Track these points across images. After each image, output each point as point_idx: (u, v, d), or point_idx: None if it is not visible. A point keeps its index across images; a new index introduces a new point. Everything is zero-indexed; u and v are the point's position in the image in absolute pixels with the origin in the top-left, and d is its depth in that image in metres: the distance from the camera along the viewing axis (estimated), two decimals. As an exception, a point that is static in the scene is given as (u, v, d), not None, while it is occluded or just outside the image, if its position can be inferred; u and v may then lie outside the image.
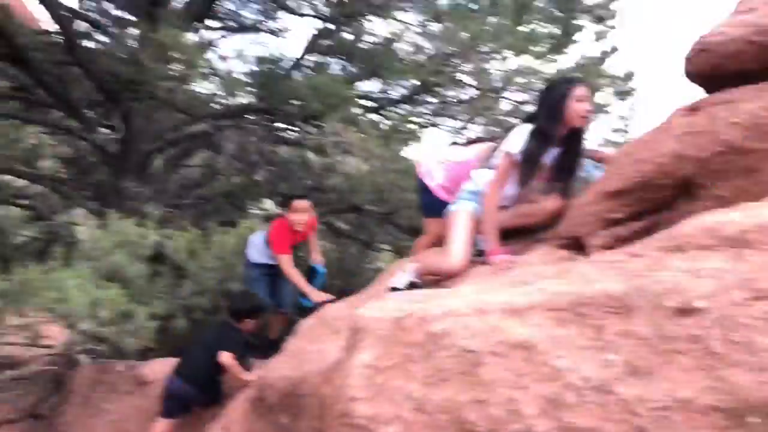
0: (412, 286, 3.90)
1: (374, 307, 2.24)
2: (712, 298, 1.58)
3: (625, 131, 8.75)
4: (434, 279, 3.78)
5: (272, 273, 5.40)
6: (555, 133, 3.55)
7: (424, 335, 1.88)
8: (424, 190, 4.25)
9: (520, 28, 6.39)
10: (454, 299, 2.10)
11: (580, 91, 3.53)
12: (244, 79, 8.96)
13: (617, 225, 3.22)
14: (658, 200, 3.06)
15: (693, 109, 3.04)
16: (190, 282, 5.57)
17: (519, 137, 3.57)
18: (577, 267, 2.05)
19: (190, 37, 6.49)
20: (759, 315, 1.51)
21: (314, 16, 8.77)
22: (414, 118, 8.24)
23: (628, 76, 8.57)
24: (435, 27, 9.08)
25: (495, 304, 1.87)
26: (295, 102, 7.49)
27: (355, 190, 7.22)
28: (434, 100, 7.96)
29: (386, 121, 8.43)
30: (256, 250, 5.46)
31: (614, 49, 7.77)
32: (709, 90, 3.19)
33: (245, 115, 8.58)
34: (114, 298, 4.47)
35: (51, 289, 4.37)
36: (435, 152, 4.52)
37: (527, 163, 3.54)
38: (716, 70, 2.99)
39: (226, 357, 4.48)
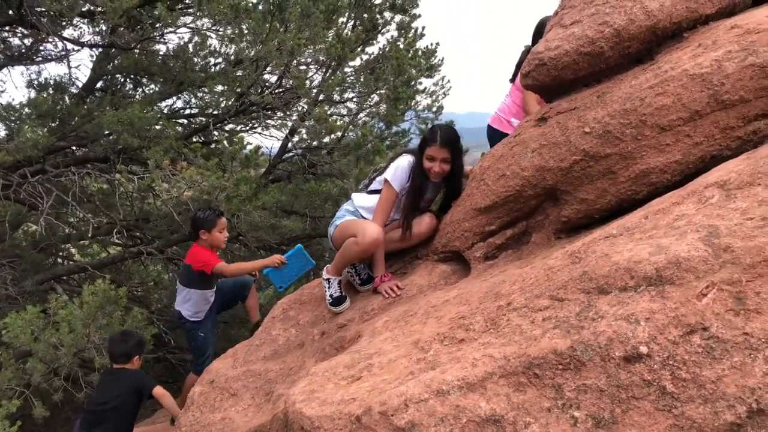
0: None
1: (313, 400, 2.16)
2: (653, 342, 1.72)
3: (438, 106, 9.21)
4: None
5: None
6: (425, 179, 3.69)
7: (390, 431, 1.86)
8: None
9: (329, 32, 6.38)
10: (396, 378, 2.09)
11: (431, 151, 3.63)
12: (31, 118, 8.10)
13: (492, 236, 3.39)
14: (525, 208, 3.26)
15: (541, 119, 3.25)
16: (39, 365, 4.98)
17: (400, 170, 3.65)
18: (507, 316, 2.13)
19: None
20: (697, 349, 1.68)
21: (99, 45, 8.07)
22: (239, 129, 8.01)
23: (431, 53, 8.96)
24: (232, 32, 8.82)
25: (450, 382, 1.89)
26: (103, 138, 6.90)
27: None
28: (254, 108, 7.71)
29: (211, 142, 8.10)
30: (194, 303, 5.01)
31: (422, 35, 8.05)
32: (548, 96, 3.43)
33: (45, 158, 7.74)
34: (-41, 415, 3.89)
35: None
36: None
37: (413, 197, 3.66)
38: (555, 80, 3.22)
39: (159, 390, 4.44)
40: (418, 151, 3.70)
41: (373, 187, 3.86)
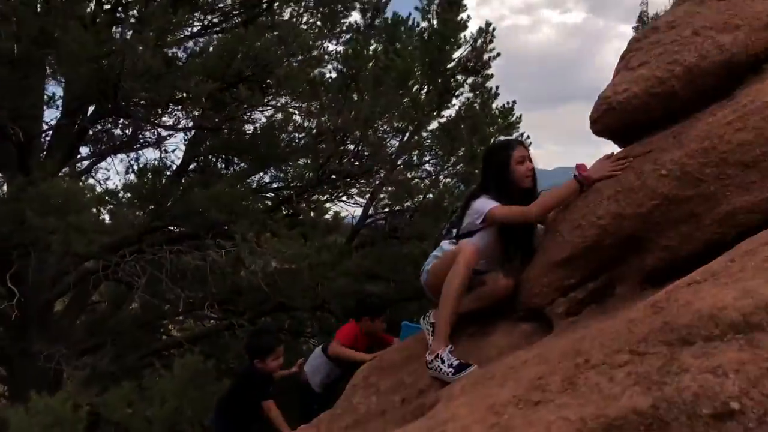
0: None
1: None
2: (746, 396, 1.55)
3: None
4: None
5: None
6: (512, 201, 3.51)
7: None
8: None
9: (404, 99, 6.51)
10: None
11: (518, 153, 3.51)
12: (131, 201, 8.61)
13: (573, 290, 3.23)
14: (606, 259, 3.09)
15: (615, 164, 3.12)
16: (136, 438, 5.11)
17: (488, 200, 3.50)
18: (585, 374, 1.99)
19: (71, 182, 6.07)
20: (797, 404, 1.49)
21: (191, 128, 8.56)
22: (322, 199, 8.19)
23: (508, 111, 8.92)
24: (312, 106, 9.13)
25: (524, 446, 1.77)
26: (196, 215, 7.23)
27: (277, 289, 7.00)
28: (335, 177, 7.88)
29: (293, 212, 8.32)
30: (316, 369, 5.06)
31: (496, 94, 8.06)
32: (621, 142, 3.31)
33: (142, 238, 8.16)
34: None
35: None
36: None
37: (506, 238, 3.51)
38: (626, 124, 3.10)
39: (268, 406, 4.44)
40: (503, 166, 3.53)
41: (464, 230, 3.61)
